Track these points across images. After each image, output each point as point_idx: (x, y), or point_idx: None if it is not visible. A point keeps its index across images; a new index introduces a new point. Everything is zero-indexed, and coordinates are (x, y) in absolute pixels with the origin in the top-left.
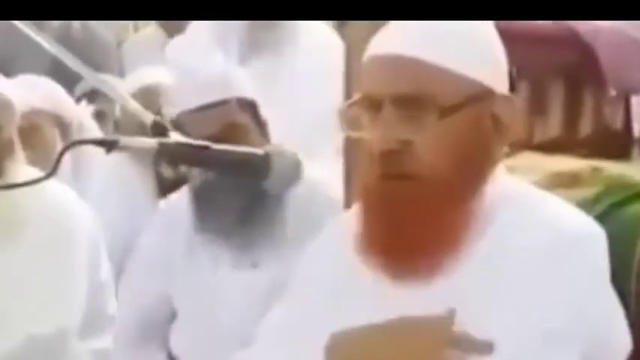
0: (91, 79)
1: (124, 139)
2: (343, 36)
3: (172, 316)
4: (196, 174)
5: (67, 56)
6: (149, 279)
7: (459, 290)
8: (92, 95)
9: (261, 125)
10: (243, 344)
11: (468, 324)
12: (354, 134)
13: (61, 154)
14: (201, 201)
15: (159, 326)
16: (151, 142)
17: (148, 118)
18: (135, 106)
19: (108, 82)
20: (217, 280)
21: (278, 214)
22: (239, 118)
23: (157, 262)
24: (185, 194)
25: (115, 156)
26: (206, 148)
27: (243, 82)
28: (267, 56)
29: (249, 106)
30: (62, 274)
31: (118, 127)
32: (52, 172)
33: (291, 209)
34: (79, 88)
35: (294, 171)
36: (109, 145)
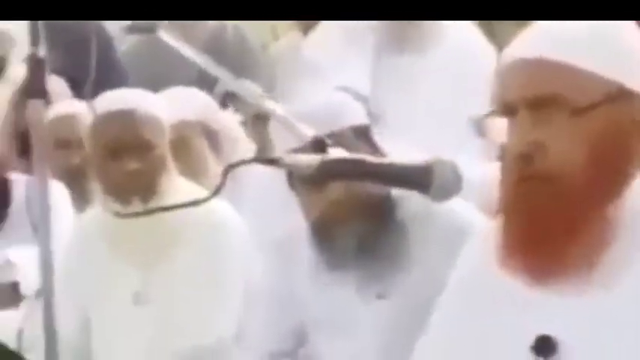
0: (247, 95)
1: (286, 157)
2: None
3: (301, 342)
4: (314, 205)
5: (213, 67)
6: (277, 312)
7: (615, 302)
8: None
9: (374, 149)
10: None
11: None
12: (495, 140)
13: (225, 174)
14: (320, 235)
15: (289, 351)
16: (313, 158)
17: (305, 133)
18: (289, 121)
19: (260, 95)
20: (345, 313)
21: (401, 243)
22: (353, 147)
23: (284, 295)
24: (303, 226)
25: (270, 172)
26: (367, 162)
27: (356, 108)
28: (410, 54)
29: (363, 132)
30: (221, 287)
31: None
32: (215, 193)
33: (415, 237)
34: (217, 90)
35: (455, 180)
36: (271, 164)
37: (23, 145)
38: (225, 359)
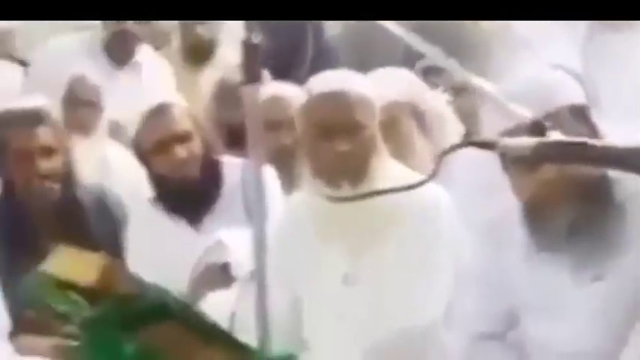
0: (457, 73)
1: (504, 141)
2: None
3: (512, 325)
4: (526, 186)
5: (421, 44)
6: (488, 294)
7: None
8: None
9: (593, 130)
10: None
11: None
12: None
13: (440, 158)
14: (532, 216)
15: (498, 334)
16: (530, 141)
17: (518, 112)
18: (498, 99)
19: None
20: (558, 296)
21: (618, 224)
22: (571, 128)
23: (495, 277)
24: (515, 207)
25: (480, 153)
26: (586, 146)
27: (573, 87)
28: (622, 31)
29: (581, 112)
30: (431, 269)
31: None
32: (431, 177)
33: (634, 218)
34: (419, 65)
35: None
36: (488, 147)
37: (231, 128)
38: (434, 341)
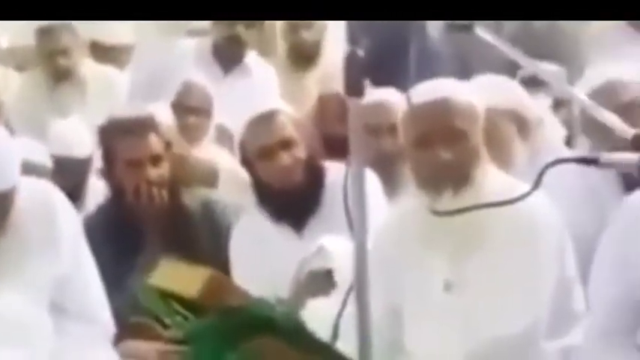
0: (550, 79)
1: (605, 157)
2: None
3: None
4: None
5: (518, 54)
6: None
7: None
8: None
9: None
10: None
11: None
12: None
13: (542, 173)
14: None
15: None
16: (634, 157)
17: (624, 130)
18: (595, 107)
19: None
20: None
21: None
22: None
23: (625, 258)
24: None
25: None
26: None
27: None
28: None
29: None
30: (529, 275)
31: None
32: (533, 189)
33: None
34: (520, 73)
35: None
36: (589, 163)
37: (332, 136)
38: (534, 349)
